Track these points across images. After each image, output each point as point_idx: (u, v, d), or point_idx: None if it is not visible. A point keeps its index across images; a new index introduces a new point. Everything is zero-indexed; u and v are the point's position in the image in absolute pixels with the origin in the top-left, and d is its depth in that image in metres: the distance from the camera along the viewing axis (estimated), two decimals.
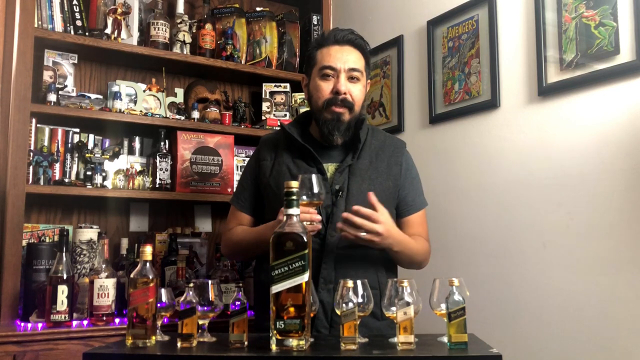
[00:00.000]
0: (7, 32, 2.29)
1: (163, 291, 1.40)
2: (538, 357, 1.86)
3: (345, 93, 1.63)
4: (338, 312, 1.26)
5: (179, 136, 2.48)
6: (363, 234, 1.49)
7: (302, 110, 2.80)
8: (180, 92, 2.63)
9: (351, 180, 1.65)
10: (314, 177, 1.45)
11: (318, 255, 1.58)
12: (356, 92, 1.66)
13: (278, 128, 2.67)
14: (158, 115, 2.48)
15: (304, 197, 1.42)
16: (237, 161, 2.66)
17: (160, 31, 2.51)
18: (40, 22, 2.27)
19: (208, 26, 2.64)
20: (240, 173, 2.66)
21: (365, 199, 1.61)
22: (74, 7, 2.37)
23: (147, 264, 1.31)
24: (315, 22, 2.86)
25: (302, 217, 1.44)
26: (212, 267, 2.51)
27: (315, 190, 1.44)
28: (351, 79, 1.66)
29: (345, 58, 1.65)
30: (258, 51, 2.80)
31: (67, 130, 2.36)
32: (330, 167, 1.68)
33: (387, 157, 1.72)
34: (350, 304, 1.23)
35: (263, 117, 2.76)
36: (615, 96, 1.73)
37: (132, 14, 2.48)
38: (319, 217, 1.48)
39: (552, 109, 1.91)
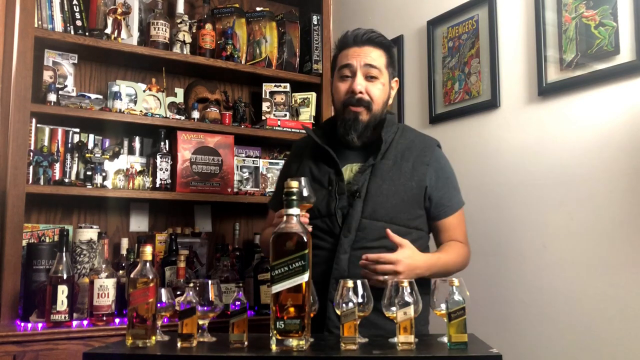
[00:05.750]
0: (7, 32, 2.29)
1: (163, 291, 1.40)
2: (538, 357, 1.87)
3: (361, 92, 1.63)
4: (338, 312, 1.26)
5: (179, 136, 2.48)
6: (384, 277, 1.45)
7: (303, 110, 2.81)
8: (180, 92, 2.63)
9: (371, 181, 1.63)
10: (303, 180, 1.47)
11: (330, 255, 1.59)
12: (375, 90, 1.65)
13: (277, 129, 2.68)
14: (158, 115, 2.48)
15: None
16: (237, 161, 2.66)
17: (160, 31, 2.51)
18: (40, 22, 2.27)
19: (208, 26, 2.64)
20: (240, 173, 2.68)
21: (384, 200, 1.60)
22: (74, 7, 2.36)
23: (147, 264, 1.31)
24: (315, 22, 2.86)
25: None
26: (212, 267, 2.51)
27: (305, 194, 1.46)
28: (369, 77, 1.65)
29: (363, 55, 1.65)
30: (258, 51, 2.80)
31: (67, 130, 2.36)
32: (353, 168, 1.67)
33: (414, 157, 1.67)
34: (350, 304, 1.23)
35: (263, 117, 2.76)
36: (615, 96, 1.73)
37: (132, 14, 2.47)
38: (306, 220, 1.49)
39: (552, 108, 1.91)
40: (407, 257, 1.49)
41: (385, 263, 1.46)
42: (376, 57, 1.66)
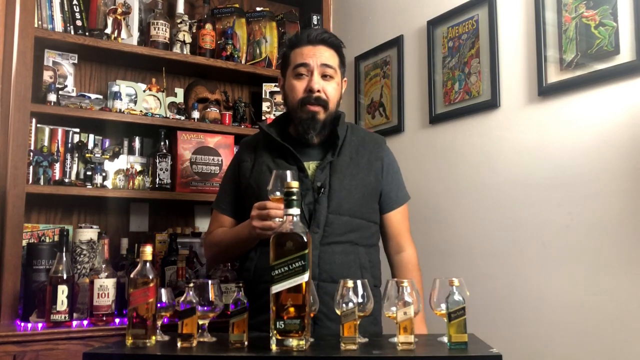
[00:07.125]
0: (7, 32, 2.29)
1: (163, 291, 1.40)
2: (538, 357, 1.86)
3: (319, 91, 1.64)
4: (338, 312, 1.26)
5: (179, 136, 2.48)
6: None
7: None
8: (180, 92, 2.63)
9: (332, 177, 1.66)
10: (288, 173, 1.46)
11: None
12: (330, 89, 1.67)
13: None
14: (158, 115, 2.48)
15: (277, 193, 1.44)
16: None
17: (160, 31, 2.51)
18: (40, 22, 2.27)
19: (208, 26, 2.64)
20: None
21: (347, 194, 1.64)
22: (74, 7, 2.36)
23: (147, 264, 1.31)
24: (315, 22, 2.86)
25: (274, 212, 1.45)
26: (212, 267, 2.50)
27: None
28: (324, 76, 1.67)
29: (318, 55, 1.66)
30: (258, 51, 2.80)
31: (67, 130, 2.36)
32: (311, 165, 1.68)
33: (368, 153, 1.73)
34: (350, 304, 1.23)
35: (263, 117, 2.76)
36: (615, 96, 1.73)
37: (132, 14, 2.48)
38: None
39: (552, 109, 1.91)
40: None
41: None
42: (330, 56, 1.68)
